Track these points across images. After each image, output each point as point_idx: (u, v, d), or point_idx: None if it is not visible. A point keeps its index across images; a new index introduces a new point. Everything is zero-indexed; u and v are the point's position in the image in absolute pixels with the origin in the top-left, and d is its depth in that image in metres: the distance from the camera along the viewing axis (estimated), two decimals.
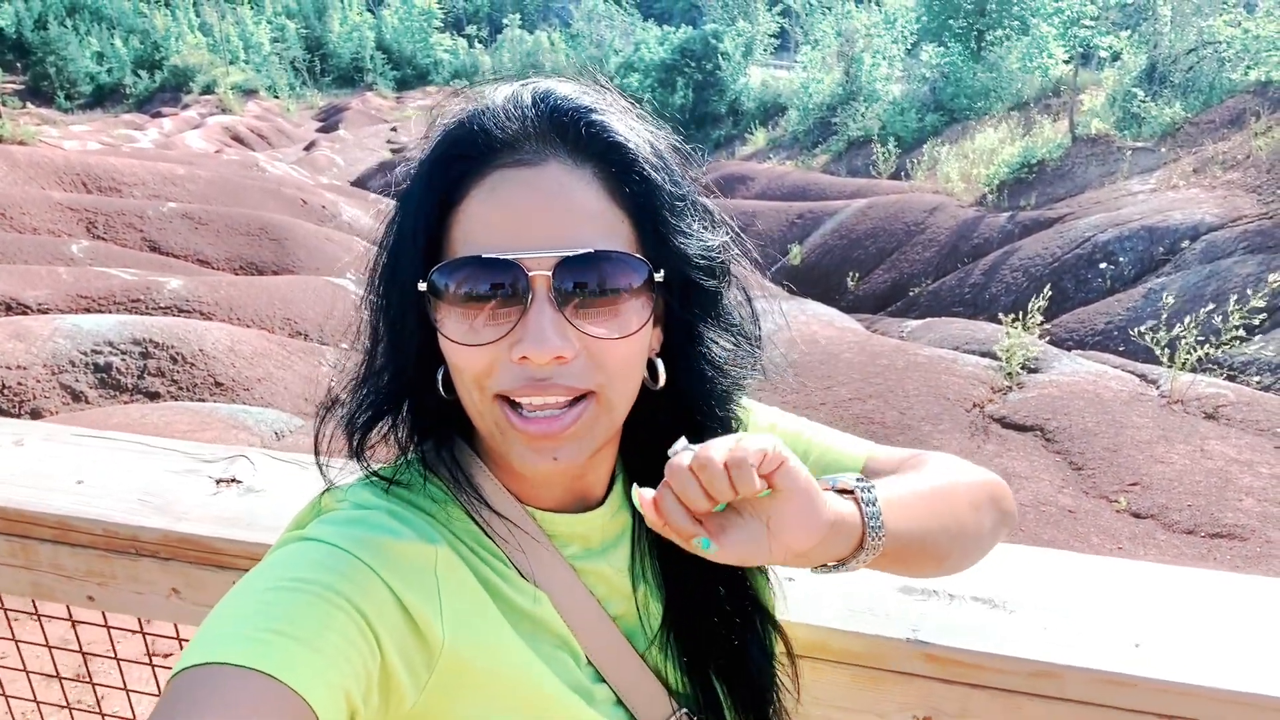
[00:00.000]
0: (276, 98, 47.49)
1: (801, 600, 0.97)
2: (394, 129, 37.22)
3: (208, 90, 44.83)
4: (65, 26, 51.10)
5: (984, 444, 5.11)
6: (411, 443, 0.78)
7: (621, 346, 0.69)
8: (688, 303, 0.75)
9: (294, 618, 0.60)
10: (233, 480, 1.13)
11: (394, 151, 30.25)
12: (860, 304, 12.80)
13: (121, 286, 10.87)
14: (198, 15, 56.57)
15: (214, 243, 15.41)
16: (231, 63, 50.76)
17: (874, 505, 0.73)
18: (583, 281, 0.67)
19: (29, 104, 42.43)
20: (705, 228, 0.75)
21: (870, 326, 9.64)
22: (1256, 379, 7.11)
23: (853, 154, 20.93)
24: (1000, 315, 7.13)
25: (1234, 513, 4.18)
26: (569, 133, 0.70)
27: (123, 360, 6.89)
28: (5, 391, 6.31)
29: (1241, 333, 6.26)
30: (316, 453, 0.77)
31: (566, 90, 0.72)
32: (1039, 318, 7.20)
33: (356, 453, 0.76)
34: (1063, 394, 5.70)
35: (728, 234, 0.78)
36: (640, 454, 0.82)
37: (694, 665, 0.83)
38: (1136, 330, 7.16)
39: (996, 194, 14.16)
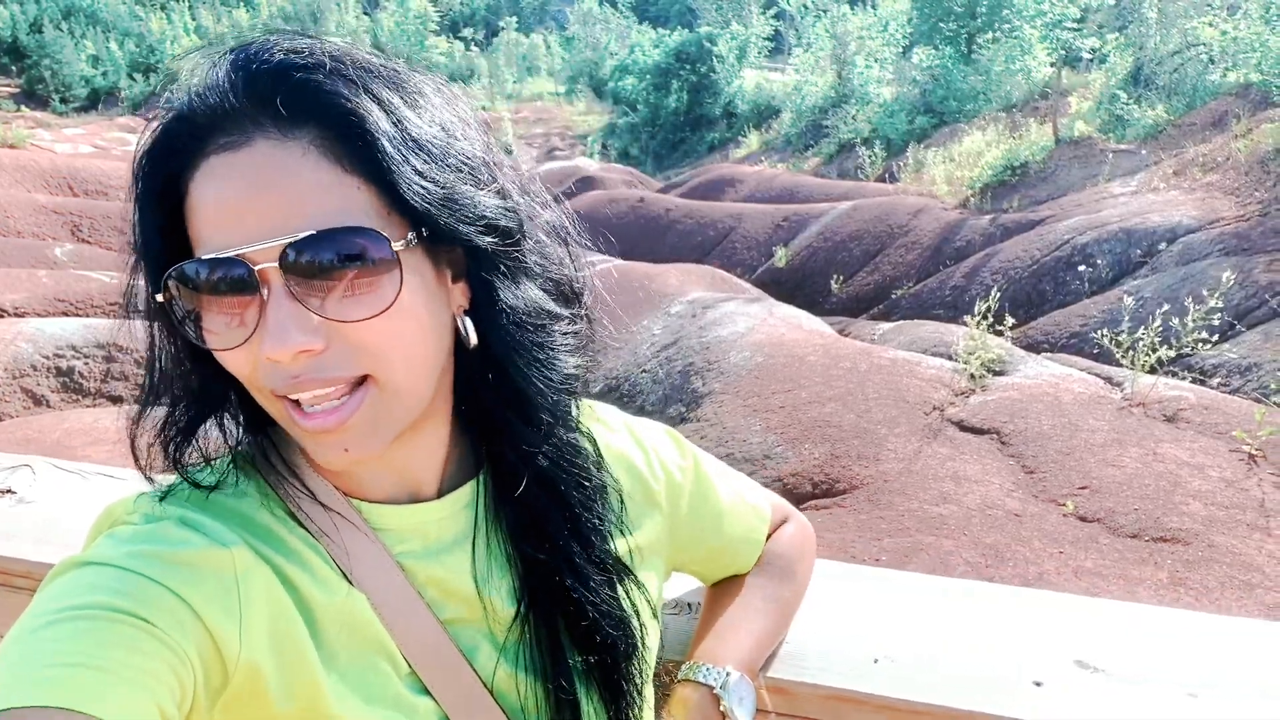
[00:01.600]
0: None
1: None
2: None
3: None
4: (60, 30, 51.15)
5: (937, 447, 5.08)
6: (238, 438, 0.73)
7: (383, 323, 0.63)
8: (475, 257, 0.69)
9: (81, 647, 0.55)
10: (6, 491, 1.11)
11: None
12: (845, 306, 12.79)
13: (100, 290, 10.86)
14: (194, 19, 56.69)
15: None
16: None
17: (735, 700, 0.85)
18: (316, 264, 0.61)
19: (23, 107, 42.55)
20: (467, 181, 0.67)
21: (845, 329, 9.62)
22: (1225, 382, 7.09)
23: (844, 156, 20.93)
24: (966, 318, 7.11)
25: (1180, 517, 4.15)
26: (271, 101, 0.62)
27: (85, 364, 6.89)
28: None
29: (1204, 335, 6.24)
30: (135, 455, 0.70)
31: (268, 52, 0.64)
32: (1009, 320, 7.19)
33: (174, 460, 0.70)
34: (1023, 397, 5.67)
35: (503, 183, 0.70)
36: (479, 431, 0.78)
37: (552, 647, 0.77)
38: (1099, 333, 7.13)
39: (980, 197, 14.15)
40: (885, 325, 9.64)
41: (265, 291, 0.61)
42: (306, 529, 0.71)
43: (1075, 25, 16.03)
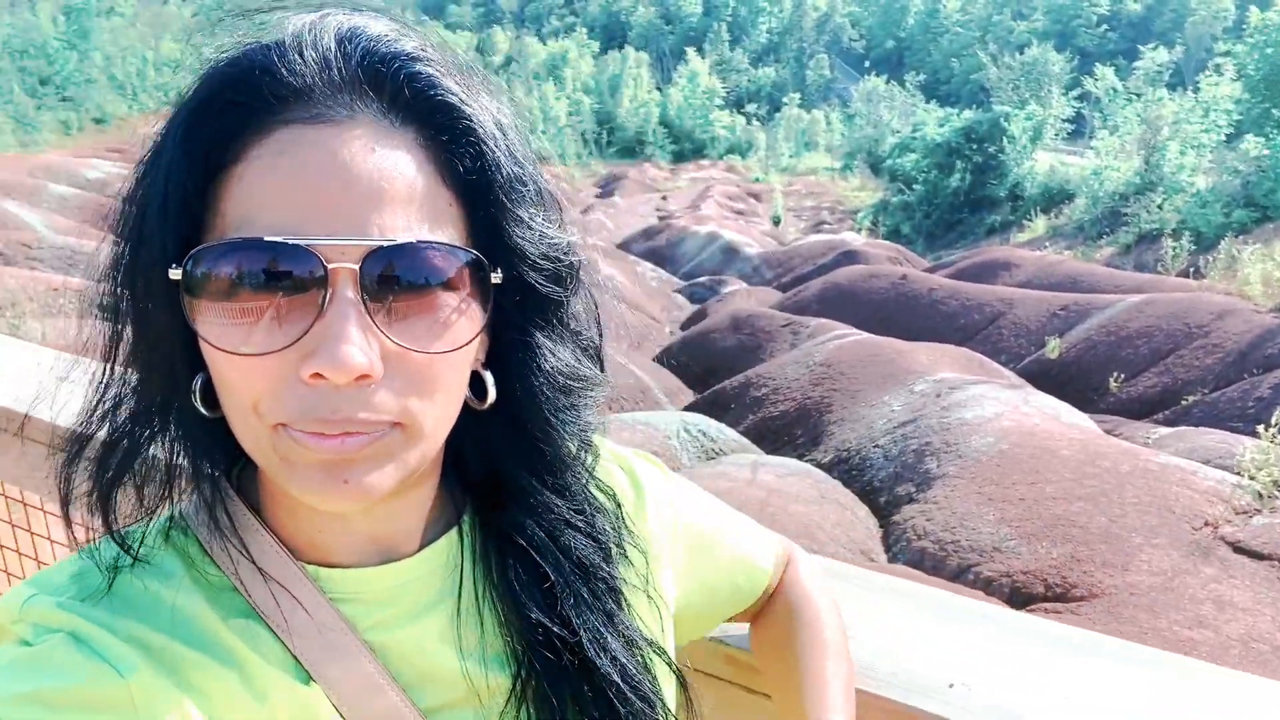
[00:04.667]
0: (565, 165, 51.73)
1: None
2: (664, 198, 39.21)
3: None
4: None
5: (1202, 567, 4.43)
6: (170, 490, 0.61)
7: (441, 362, 0.55)
8: (524, 307, 0.61)
9: None
10: None
11: (660, 218, 31.81)
12: (1122, 407, 11.58)
13: None
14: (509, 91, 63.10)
15: None
16: (530, 133, 55.92)
17: None
18: (399, 279, 0.52)
19: None
20: (551, 221, 0.61)
21: (1115, 430, 8.70)
22: None
23: (1142, 248, 19.21)
24: (1259, 427, 6.18)
25: None
26: (385, 84, 0.54)
27: None
28: None
29: None
30: (64, 506, 0.59)
31: (381, 29, 0.56)
32: None
33: (102, 509, 0.59)
34: None
35: (577, 233, 0.64)
36: (472, 483, 0.69)
37: None
38: None
39: None
40: (1163, 430, 8.61)
41: (326, 296, 0.51)
42: (253, 608, 0.59)
43: None
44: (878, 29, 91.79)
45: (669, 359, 14.58)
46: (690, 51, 68.82)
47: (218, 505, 0.60)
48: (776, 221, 33.70)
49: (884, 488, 6.60)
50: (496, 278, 0.57)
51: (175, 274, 0.52)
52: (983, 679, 0.82)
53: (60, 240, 12.57)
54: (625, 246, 26.23)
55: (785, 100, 60.05)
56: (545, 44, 77.36)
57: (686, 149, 59.46)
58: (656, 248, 25.34)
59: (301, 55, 0.53)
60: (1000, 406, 7.05)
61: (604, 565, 0.69)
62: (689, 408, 10.90)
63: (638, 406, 11.71)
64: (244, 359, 0.52)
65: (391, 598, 0.62)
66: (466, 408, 0.61)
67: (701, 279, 21.58)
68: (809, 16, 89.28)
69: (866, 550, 5.59)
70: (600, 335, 0.68)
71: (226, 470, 0.62)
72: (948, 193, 29.90)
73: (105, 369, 0.58)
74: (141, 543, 0.59)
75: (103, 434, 0.59)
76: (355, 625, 0.60)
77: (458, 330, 0.55)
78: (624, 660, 0.67)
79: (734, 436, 7.36)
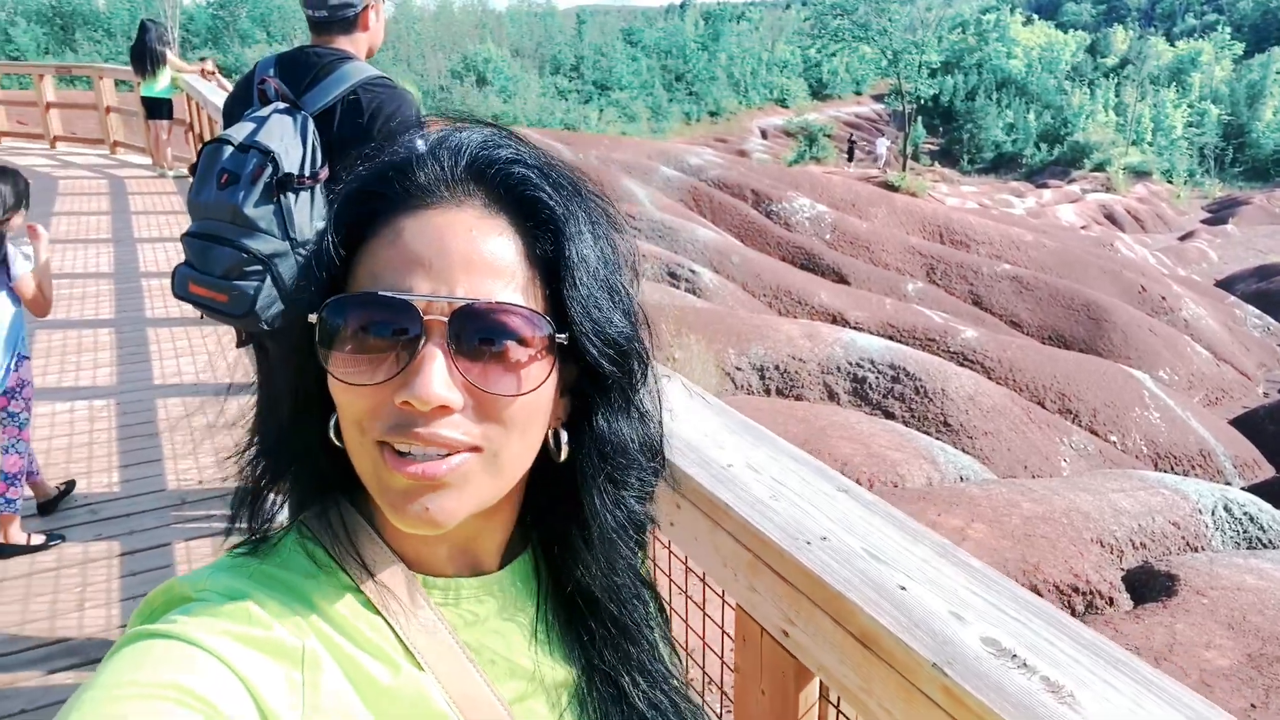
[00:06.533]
0: (1170, 183, 45.44)
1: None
2: None
3: (1099, 168, 45.35)
4: (989, 99, 57.28)
5: None
6: (308, 502, 0.75)
7: (516, 404, 0.67)
8: (597, 380, 0.72)
9: None
10: None
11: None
12: None
13: (925, 326, 12.13)
14: (1116, 95, 57.15)
15: (1031, 308, 15.89)
16: (1133, 144, 50.15)
17: None
18: (480, 331, 0.65)
19: (936, 163, 49.25)
20: (619, 308, 0.72)
21: None
22: None
23: None
24: None
25: None
26: (485, 180, 0.69)
27: (875, 378, 7.83)
28: (785, 374, 7.81)
29: None
30: (233, 514, 0.74)
31: (485, 138, 0.72)
32: None
33: (251, 515, 0.72)
34: None
35: (644, 326, 0.75)
36: (542, 528, 0.81)
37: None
38: None
39: None
40: None
41: (422, 341, 0.64)
42: (373, 605, 0.70)
43: None
44: None
45: (1254, 424, 12.18)
46: None
47: (341, 519, 0.74)
48: None
49: None
50: (562, 338, 0.68)
51: (312, 318, 0.67)
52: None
53: (658, 216, 14.78)
54: (1227, 284, 22.37)
55: None
56: (1174, 45, 68.20)
57: None
58: (1271, 291, 21.13)
59: (427, 165, 0.69)
60: None
61: (632, 633, 0.81)
62: (1256, 488, 8.99)
63: (1190, 471, 9.94)
64: (354, 387, 0.66)
65: (482, 605, 0.75)
66: (550, 461, 0.74)
67: None
68: None
69: None
70: (658, 415, 0.79)
71: (351, 492, 0.75)
72: None
73: (266, 400, 0.73)
74: (280, 545, 0.72)
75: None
76: (454, 627, 0.73)
77: (528, 376, 0.66)
78: (652, 697, 0.81)
79: None
